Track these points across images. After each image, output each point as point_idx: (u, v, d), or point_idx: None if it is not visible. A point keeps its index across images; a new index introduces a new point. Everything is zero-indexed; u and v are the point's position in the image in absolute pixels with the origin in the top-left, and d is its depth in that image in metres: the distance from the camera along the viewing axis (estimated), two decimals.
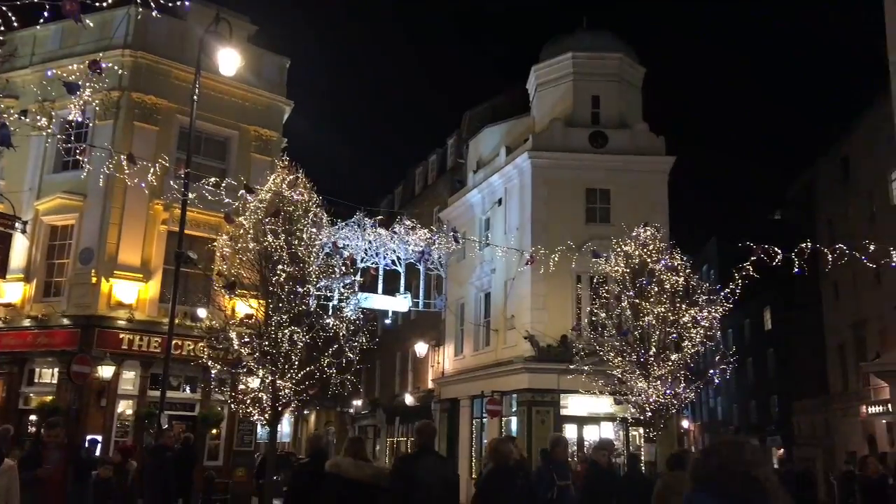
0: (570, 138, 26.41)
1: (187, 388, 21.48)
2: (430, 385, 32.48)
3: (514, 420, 25.27)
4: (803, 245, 14.69)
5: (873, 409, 28.75)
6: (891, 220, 27.72)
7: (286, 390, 15.32)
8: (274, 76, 24.86)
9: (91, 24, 12.59)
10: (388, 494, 6.27)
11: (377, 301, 26.14)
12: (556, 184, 25.75)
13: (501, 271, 26.60)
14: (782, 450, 38.39)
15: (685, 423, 43.02)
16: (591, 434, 24.07)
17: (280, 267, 15.50)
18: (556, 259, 21.15)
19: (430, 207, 34.94)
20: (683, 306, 18.85)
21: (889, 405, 25.73)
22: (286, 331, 15.24)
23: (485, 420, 26.63)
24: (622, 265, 19.35)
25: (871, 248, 14.44)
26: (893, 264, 14.19)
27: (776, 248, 14.82)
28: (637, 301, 18.77)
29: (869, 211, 31.00)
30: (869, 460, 10.81)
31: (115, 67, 20.13)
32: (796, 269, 14.46)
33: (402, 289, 26.99)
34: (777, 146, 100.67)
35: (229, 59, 12.56)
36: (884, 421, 27.60)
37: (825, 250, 14.81)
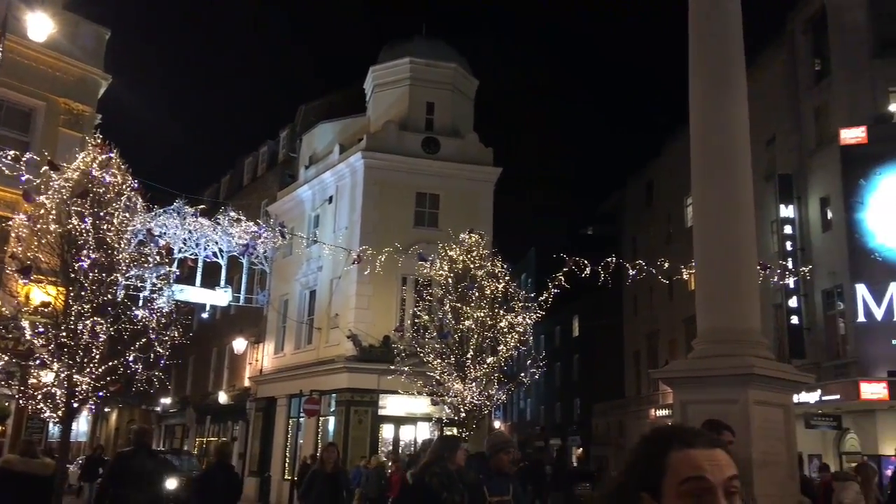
0: (403, 142, 26.76)
1: None
2: (247, 383, 31.47)
3: (331, 420, 25.11)
4: (609, 259, 15.91)
5: (661, 412, 31.67)
6: (684, 241, 30.77)
7: (84, 385, 14.17)
8: (91, 47, 22.92)
9: None
10: (105, 481, 8.53)
11: (194, 294, 24.92)
12: (388, 185, 25.97)
13: (328, 269, 26.37)
14: (581, 449, 41.17)
15: (497, 424, 44.86)
16: (407, 434, 24.45)
17: (85, 252, 14.32)
18: (382, 260, 21.30)
19: (259, 200, 33.92)
20: (501, 312, 19.72)
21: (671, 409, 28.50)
22: (88, 322, 14.10)
23: (302, 419, 26.23)
24: (446, 269, 19.89)
25: (666, 265, 15.94)
26: (686, 278, 15.72)
27: (586, 261, 15.94)
28: (458, 305, 19.38)
29: (667, 232, 34.19)
30: None
31: None
32: (601, 281, 15.64)
33: (222, 282, 25.93)
34: (594, 167, 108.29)
35: (40, 24, 11.45)
36: (668, 423, 30.49)
37: (627, 265, 16.14)
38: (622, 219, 41.57)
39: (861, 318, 21.29)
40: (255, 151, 37.81)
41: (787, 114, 25.75)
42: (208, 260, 24.54)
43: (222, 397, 32.42)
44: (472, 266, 19.71)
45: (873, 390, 19.79)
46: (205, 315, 28.63)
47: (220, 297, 26.16)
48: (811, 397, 20.66)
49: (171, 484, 17.03)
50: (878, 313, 21.01)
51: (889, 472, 15.38)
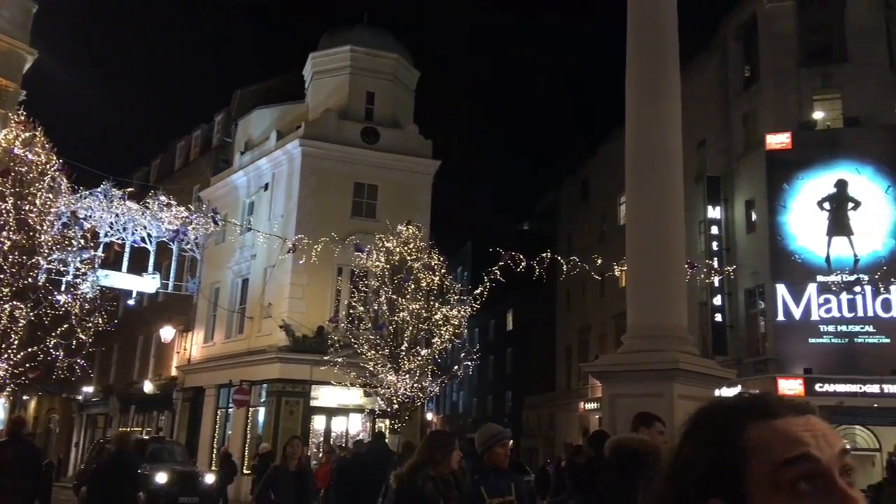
0: (342, 131, 26.50)
1: None
2: (174, 372, 30.71)
3: (261, 410, 24.76)
4: (544, 255, 16.14)
5: (589, 406, 32.39)
6: (617, 239, 31.42)
7: (1, 372, 13.60)
8: (17, 20, 21.92)
9: None
10: None
11: (120, 279, 24.14)
12: (326, 174, 25.69)
13: (262, 258, 25.93)
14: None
15: (429, 415, 45.10)
16: (339, 426, 24.32)
17: (4, 234, 13.73)
18: (318, 250, 21.06)
19: (191, 185, 33.05)
20: (437, 304, 19.80)
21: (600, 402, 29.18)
22: (6, 306, 13.53)
23: (230, 410, 25.76)
24: (383, 261, 19.83)
25: (599, 262, 16.28)
26: (618, 275, 16.09)
27: (521, 256, 16.14)
28: (394, 297, 19.36)
29: (600, 230, 34.91)
30: (583, 449, 12.10)
31: None
32: (536, 277, 15.88)
33: (150, 268, 25.17)
34: (532, 163, 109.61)
35: None
36: (597, 416, 31.20)
37: (562, 261, 16.41)
38: (558, 216, 42.20)
39: (780, 317, 22.23)
40: (188, 135, 36.83)
41: (717, 118, 26.59)
42: (136, 245, 23.78)
43: (148, 386, 31.55)
44: (408, 258, 19.71)
45: (790, 386, 20.72)
46: (131, 302, 27.76)
47: (148, 283, 25.40)
48: (731, 393, 21.49)
49: (161, 478, 15.76)
50: (797, 313, 21.98)
51: None
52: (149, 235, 23.77)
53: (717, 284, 24.26)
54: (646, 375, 7.76)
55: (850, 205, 22.22)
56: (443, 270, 20.41)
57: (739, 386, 21.05)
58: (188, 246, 26.12)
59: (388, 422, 21.39)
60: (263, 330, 25.37)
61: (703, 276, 22.02)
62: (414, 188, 26.55)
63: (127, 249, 23.63)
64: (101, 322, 14.92)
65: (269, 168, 27.36)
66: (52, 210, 14.91)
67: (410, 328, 19.37)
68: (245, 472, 23.86)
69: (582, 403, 33.76)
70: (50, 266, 14.80)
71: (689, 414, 1.01)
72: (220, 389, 26.74)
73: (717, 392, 8.76)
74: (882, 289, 20.17)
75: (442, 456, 4.71)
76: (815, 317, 21.82)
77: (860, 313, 21.44)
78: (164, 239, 23.83)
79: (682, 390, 7.66)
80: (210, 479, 18.43)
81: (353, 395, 22.19)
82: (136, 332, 34.64)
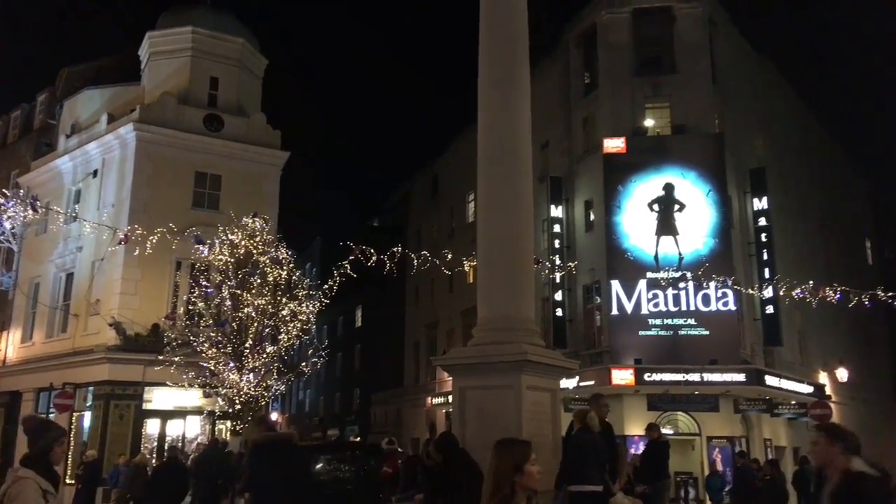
0: (182, 116, 25.05)
1: None
2: None
3: (87, 415, 22.90)
4: (394, 250, 16.04)
5: (437, 400, 32.81)
6: (466, 236, 32.05)
7: None
8: None
9: None
10: None
11: None
12: (163, 162, 24.18)
13: (90, 250, 23.98)
14: (358, 438, 41.53)
15: (274, 415, 43.81)
16: (175, 429, 22.99)
17: None
18: (153, 241, 19.68)
19: (8, 170, 30.08)
20: (284, 300, 19.18)
21: (449, 397, 29.65)
22: None
23: (52, 415, 23.60)
24: (227, 254, 18.93)
25: (449, 257, 16.43)
26: (466, 270, 16.28)
27: (372, 251, 15.95)
28: (238, 292, 18.53)
29: (450, 226, 35.45)
30: (431, 455, 12.09)
31: None
32: (386, 272, 15.76)
33: None
34: (383, 157, 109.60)
35: None
36: (444, 411, 31.66)
37: (412, 256, 16.41)
38: (408, 212, 42.39)
39: (614, 311, 23.57)
40: (6, 115, 33.50)
41: (560, 121, 27.77)
42: None
43: None
44: (254, 251, 18.96)
45: (622, 376, 22.01)
46: None
47: None
48: (570, 383, 22.46)
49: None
50: (629, 307, 23.40)
51: (633, 451, 17.18)
52: None
53: (558, 280, 25.32)
54: (496, 367, 7.83)
55: (676, 206, 23.95)
56: (291, 265, 19.80)
57: (577, 377, 22.14)
58: (3, 237, 23.68)
59: (229, 423, 20.46)
60: (90, 328, 23.46)
61: (546, 272, 22.91)
62: (261, 179, 25.60)
63: None
64: None
65: (98, 153, 25.33)
66: None
67: (255, 324, 18.64)
68: (68, 481, 22.00)
69: (429, 398, 34.12)
70: None
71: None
72: (41, 393, 24.47)
73: (561, 383, 9.03)
74: (703, 284, 21.90)
75: None
76: (644, 311, 23.31)
77: (683, 307, 23.17)
78: None
79: (530, 381, 7.81)
80: None
81: (192, 397, 21.05)
82: None
